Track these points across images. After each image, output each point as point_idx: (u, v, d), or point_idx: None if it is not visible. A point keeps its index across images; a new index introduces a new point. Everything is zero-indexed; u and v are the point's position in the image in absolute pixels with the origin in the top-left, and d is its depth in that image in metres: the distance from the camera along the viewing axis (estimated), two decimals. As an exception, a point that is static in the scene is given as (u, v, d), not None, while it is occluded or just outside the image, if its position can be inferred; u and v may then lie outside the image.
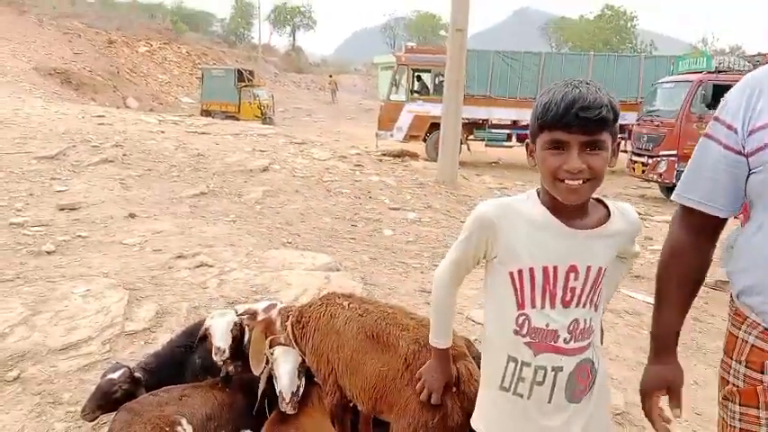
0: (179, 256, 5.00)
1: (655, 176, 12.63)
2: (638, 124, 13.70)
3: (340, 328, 2.33)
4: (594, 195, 1.47)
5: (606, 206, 1.49)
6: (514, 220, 1.46)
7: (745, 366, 1.38)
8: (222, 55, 41.74)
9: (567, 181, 1.35)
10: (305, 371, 2.49)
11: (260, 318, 2.67)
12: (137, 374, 2.78)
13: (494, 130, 17.39)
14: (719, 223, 1.48)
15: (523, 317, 1.45)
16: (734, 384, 1.41)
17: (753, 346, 1.38)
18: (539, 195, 1.48)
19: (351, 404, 2.41)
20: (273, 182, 8.73)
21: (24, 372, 3.19)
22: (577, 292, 1.42)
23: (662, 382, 1.55)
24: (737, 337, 1.42)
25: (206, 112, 24.28)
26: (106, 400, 2.64)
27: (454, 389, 1.92)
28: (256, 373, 2.54)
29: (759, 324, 1.36)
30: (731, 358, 1.43)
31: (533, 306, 1.44)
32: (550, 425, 1.46)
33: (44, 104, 13.61)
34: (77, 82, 26.35)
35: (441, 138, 10.99)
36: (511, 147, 17.51)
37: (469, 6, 10.50)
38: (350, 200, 8.56)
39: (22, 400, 2.99)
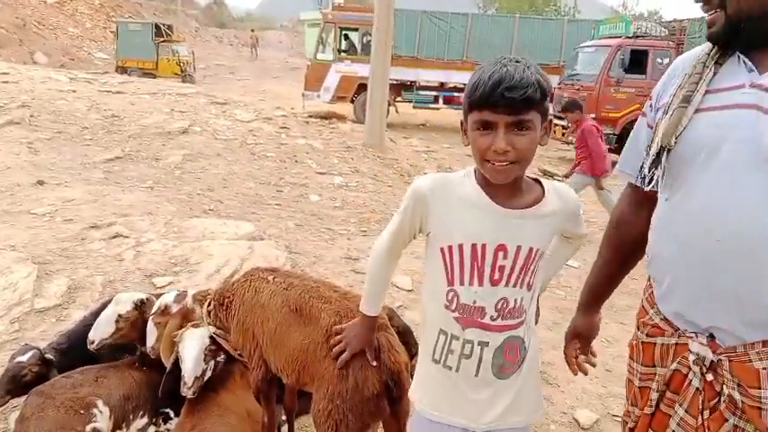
0: (92, 227, 4.77)
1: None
2: (560, 88, 14.05)
3: (264, 303, 2.31)
4: (532, 175, 1.51)
5: (542, 186, 1.50)
6: (448, 196, 1.47)
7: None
8: (139, 7, 39.44)
9: (494, 162, 1.35)
10: (212, 355, 2.43)
11: (174, 310, 2.57)
12: (48, 356, 2.66)
13: (422, 92, 17.38)
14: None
15: (452, 293, 1.46)
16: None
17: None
18: (476, 173, 1.48)
19: (275, 378, 2.40)
20: (194, 145, 8.42)
21: None
22: (506, 271, 1.44)
23: (575, 333, 1.77)
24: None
25: (121, 69, 22.99)
26: (15, 384, 2.52)
27: (374, 363, 1.94)
28: (167, 365, 2.47)
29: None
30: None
31: (462, 283, 1.45)
32: (477, 398, 1.49)
33: (-62, 59, 12.51)
34: (-23, 34, 24.33)
35: (368, 100, 10.89)
36: (438, 109, 17.59)
37: (396, -35, 10.33)
38: (275, 164, 8.40)
39: None
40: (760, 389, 1.24)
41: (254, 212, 6.29)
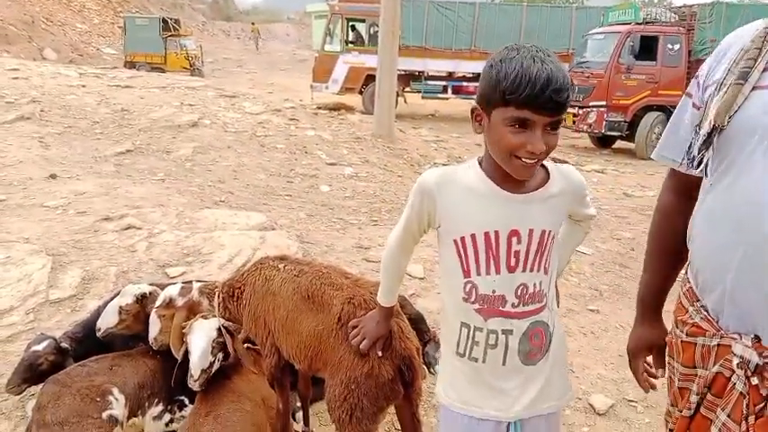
0: (105, 219, 4.79)
1: (585, 127, 12.95)
2: (569, 75, 13.94)
3: (276, 290, 2.31)
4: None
5: (546, 169, 1.48)
6: (454, 188, 1.45)
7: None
8: (145, 2, 39.51)
9: (524, 159, 1.33)
10: (220, 347, 2.43)
11: (179, 303, 2.57)
12: (63, 345, 2.67)
13: (430, 82, 17.31)
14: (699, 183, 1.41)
15: (470, 284, 1.45)
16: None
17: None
18: (480, 164, 1.46)
19: (288, 365, 2.41)
20: (204, 137, 8.43)
21: (-59, 346, 3.02)
22: (522, 256, 1.42)
23: (645, 344, 1.60)
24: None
25: (130, 64, 23.08)
26: (32, 373, 2.54)
27: (380, 353, 1.93)
28: (178, 356, 2.47)
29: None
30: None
31: (479, 273, 1.44)
32: (506, 386, 1.48)
33: (-51, 56, 12.58)
34: (-14, 32, 24.45)
35: (376, 90, 10.84)
36: (447, 99, 17.51)
37: (403, -46, 10.26)
38: (285, 155, 8.39)
39: (-60, 376, 2.84)
40: None
41: (265, 203, 6.29)
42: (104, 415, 2.34)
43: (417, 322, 2.95)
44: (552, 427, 1.56)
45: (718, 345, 1.28)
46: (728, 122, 1.23)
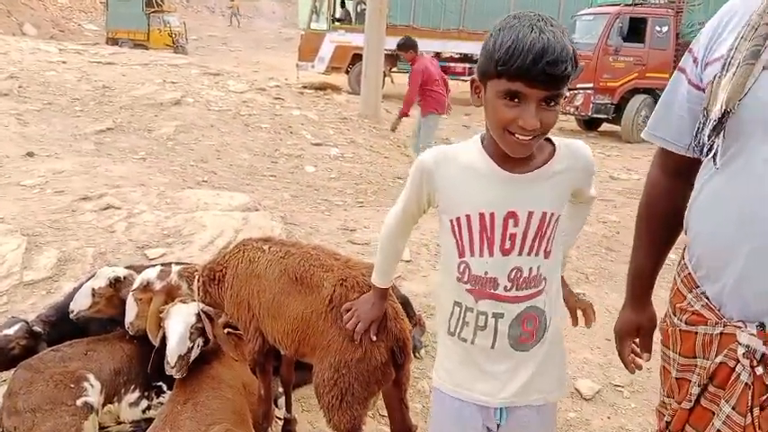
0: (83, 198, 4.66)
1: (572, 109, 12.88)
2: (558, 57, 13.87)
3: (261, 272, 2.24)
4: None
5: (553, 144, 1.40)
6: (453, 167, 1.40)
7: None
8: (128, -23, 38.66)
9: (517, 135, 1.25)
10: (199, 332, 2.35)
11: (157, 287, 2.48)
12: (36, 329, 2.59)
13: (418, 62, 17.13)
14: (698, 164, 1.35)
15: (464, 264, 1.41)
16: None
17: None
18: (482, 142, 1.39)
19: (272, 350, 2.34)
20: (186, 116, 8.27)
21: None
22: (518, 239, 1.36)
23: (632, 327, 1.57)
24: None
25: (112, 41, 22.63)
26: (3, 358, 2.47)
27: (374, 337, 1.88)
28: (155, 342, 2.39)
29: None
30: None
31: (472, 254, 1.39)
32: (495, 370, 1.43)
33: None
34: (-38, 5, 23.86)
35: (363, 70, 10.71)
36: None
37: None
38: (269, 135, 8.26)
39: None
40: None
41: (249, 184, 6.19)
42: (79, 402, 2.26)
43: (404, 305, 2.88)
44: (544, 419, 1.50)
45: (722, 334, 1.23)
46: (738, 106, 1.16)
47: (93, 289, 2.58)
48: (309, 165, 7.37)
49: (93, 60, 10.71)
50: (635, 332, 1.57)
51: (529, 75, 1.18)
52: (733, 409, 1.21)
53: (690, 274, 1.33)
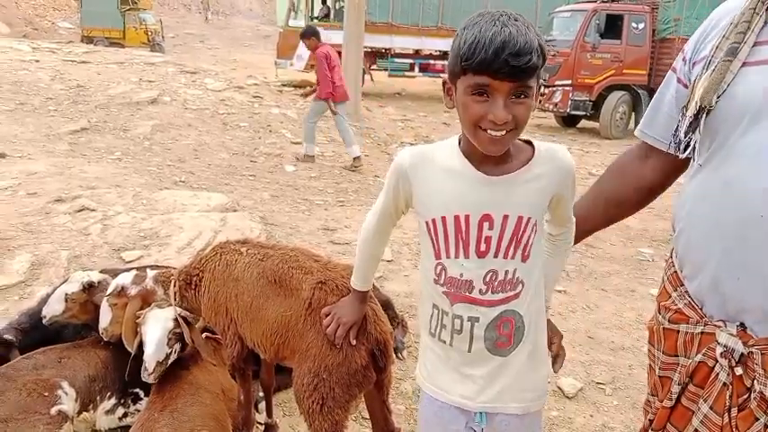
0: (57, 200, 4.57)
1: (550, 106, 12.96)
2: (536, 54, 13.94)
3: (239, 275, 2.19)
4: (524, 137, 1.37)
5: (533, 147, 1.37)
6: (430, 168, 1.38)
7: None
8: (103, -26, 38.10)
9: (489, 131, 1.23)
10: (177, 338, 2.30)
11: (132, 292, 2.42)
12: (7, 336, 2.52)
13: (397, 60, 17.09)
14: (681, 164, 1.36)
15: (440, 266, 1.39)
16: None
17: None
18: (460, 142, 1.37)
19: (251, 354, 2.30)
20: (163, 115, 8.16)
21: None
22: (494, 242, 1.34)
23: None
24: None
25: (87, 39, 22.31)
26: (-27, 366, 2.37)
27: (353, 341, 1.85)
28: (131, 349, 2.33)
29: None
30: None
31: (448, 256, 1.37)
32: (473, 373, 1.42)
33: None
34: (-69, 2, 23.31)
35: (342, 67, 10.64)
36: (414, 77, 17.34)
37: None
38: (248, 134, 8.18)
39: None
40: None
41: (228, 183, 6.11)
42: (53, 410, 2.20)
43: (385, 307, 2.86)
44: (528, 427, 1.47)
45: (702, 332, 1.24)
46: (716, 103, 1.16)
47: (67, 294, 2.51)
48: (289, 164, 7.31)
49: (67, 59, 10.53)
50: None
51: (492, 67, 1.17)
52: (711, 408, 1.21)
53: (675, 272, 1.33)
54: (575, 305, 4.17)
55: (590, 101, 12.69)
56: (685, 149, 1.24)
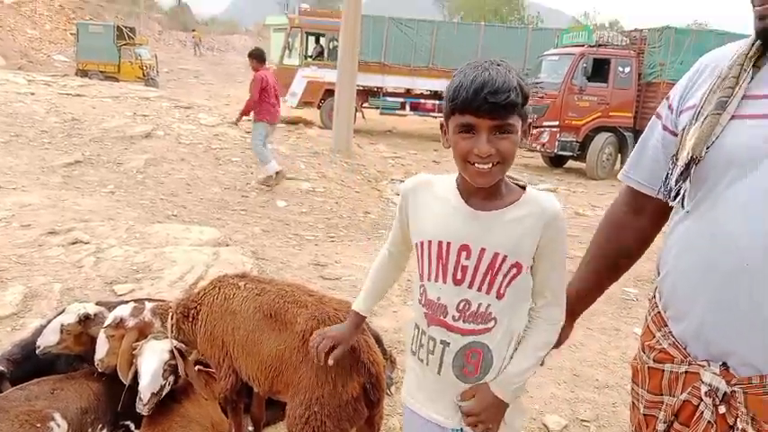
0: (50, 232, 4.61)
1: (538, 146, 13.20)
2: (525, 95, 14.25)
3: (236, 309, 2.25)
4: (521, 182, 1.47)
5: (525, 190, 1.45)
6: (426, 196, 1.51)
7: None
8: (101, 9, 38.64)
9: (476, 164, 1.34)
10: (172, 369, 2.34)
11: (130, 324, 2.47)
12: None
13: (389, 99, 17.37)
14: (666, 207, 1.38)
15: (423, 287, 1.49)
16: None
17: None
18: (458, 176, 1.48)
19: (244, 387, 2.33)
20: (157, 149, 8.25)
21: None
22: (469, 272, 1.42)
23: None
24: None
25: (82, 72, 22.44)
26: (-35, 398, 2.39)
27: (330, 361, 1.84)
28: (125, 381, 2.37)
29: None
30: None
31: (429, 279, 1.47)
32: (443, 395, 1.50)
33: None
34: (-72, 34, 23.48)
35: (335, 105, 10.84)
36: (405, 115, 17.60)
37: (364, -29, 10.34)
38: (240, 169, 8.28)
39: None
40: None
41: (220, 218, 6.17)
42: (45, 442, 2.22)
43: (375, 342, 2.91)
44: None
45: (686, 372, 1.27)
46: (706, 153, 1.22)
47: (63, 325, 2.55)
48: (281, 199, 7.39)
49: (62, 92, 10.64)
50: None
51: (473, 105, 1.30)
52: None
53: (659, 312, 1.37)
54: (561, 343, 4.21)
55: (577, 142, 12.93)
56: (675, 197, 1.28)
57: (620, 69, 12.98)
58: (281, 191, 7.71)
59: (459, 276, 1.42)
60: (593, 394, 3.57)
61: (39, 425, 2.25)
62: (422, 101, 17.10)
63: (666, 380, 1.32)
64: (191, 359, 2.45)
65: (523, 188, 1.46)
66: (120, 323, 2.45)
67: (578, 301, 1.60)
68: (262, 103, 7.82)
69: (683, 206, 1.29)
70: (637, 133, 12.26)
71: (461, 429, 1.49)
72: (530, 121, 1.43)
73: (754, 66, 1.22)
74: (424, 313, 1.49)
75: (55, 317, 2.67)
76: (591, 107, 12.88)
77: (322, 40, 17.83)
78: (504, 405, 1.48)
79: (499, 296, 1.42)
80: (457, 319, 1.43)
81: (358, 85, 12.18)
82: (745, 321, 1.17)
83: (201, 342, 2.35)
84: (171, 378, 2.32)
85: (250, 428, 2.67)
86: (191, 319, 2.36)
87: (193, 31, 41.97)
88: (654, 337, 1.37)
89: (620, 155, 12.98)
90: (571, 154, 13.17)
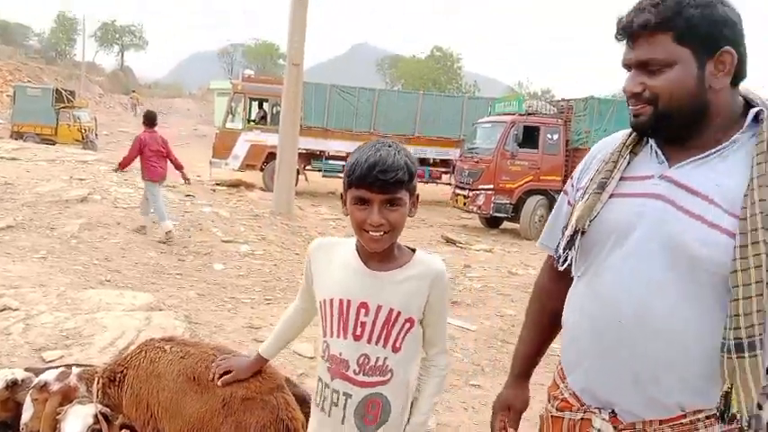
0: (-23, 299, 4.52)
1: (474, 208, 13.71)
2: (461, 160, 14.86)
3: (161, 372, 2.30)
4: (412, 246, 1.68)
5: (414, 254, 1.67)
6: (328, 256, 1.68)
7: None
8: (39, 71, 38.26)
9: (370, 232, 1.54)
10: None
11: (54, 388, 2.50)
12: None
13: (331, 162, 17.70)
14: None
15: (326, 344, 1.64)
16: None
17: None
18: (357, 240, 1.67)
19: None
20: (92, 213, 8.18)
21: None
22: (368, 327, 1.59)
23: (505, 404, 1.70)
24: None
25: (17, 135, 21.98)
26: None
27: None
28: None
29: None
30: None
31: (331, 335, 1.62)
32: None
33: None
34: None
35: (276, 168, 11.02)
36: (346, 178, 17.86)
37: (307, 40, 10.79)
38: (178, 232, 8.27)
39: None
40: None
41: (154, 282, 6.15)
42: None
43: (301, 402, 2.98)
44: None
45: (582, 419, 1.42)
46: (589, 226, 1.41)
47: None
48: (218, 262, 7.42)
49: (-5, 156, 10.47)
50: (506, 409, 1.70)
51: (365, 181, 1.50)
52: None
53: (562, 367, 1.54)
54: (488, 399, 4.35)
55: (511, 204, 13.47)
56: (563, 263, 1.47)
57: (549, 136, 13.73)
58: (219, 254, 7.74)
59: (358, 332, 1.59)
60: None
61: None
62: (363, 165, 17.47)
63: (566, 427, 1.47)
64: (117, 423, 2.48)
65: (413, 251, 1.68)
66: (44, 387, 2.46)
67: (527, 362, 1.73)
68: (143, 162, 8.24)
69: (571, 272, 1.49)
70: (566, 196, 12.85)
71: None
72: (417, 193, 1.62)
73: (631, 152, 1.44)
74: (327, 368, 1.63)
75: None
76: (523, 171, 13.51)
77: (265, 105, 18.16)
78: None
79: (395, 349, 1.61)
80: (357, 373, 1.59)
81: (301, 149, 12.45)
82: (622, 374, 1.33)
83: (127, 405, 2.39)
84: None
85: (176, 492, 2.68)
86: (117, 383, 2.41)
87: (133, 92, 42.00)
88: (558, 388, 1.52)
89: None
90: (506, 215, 13.70)
